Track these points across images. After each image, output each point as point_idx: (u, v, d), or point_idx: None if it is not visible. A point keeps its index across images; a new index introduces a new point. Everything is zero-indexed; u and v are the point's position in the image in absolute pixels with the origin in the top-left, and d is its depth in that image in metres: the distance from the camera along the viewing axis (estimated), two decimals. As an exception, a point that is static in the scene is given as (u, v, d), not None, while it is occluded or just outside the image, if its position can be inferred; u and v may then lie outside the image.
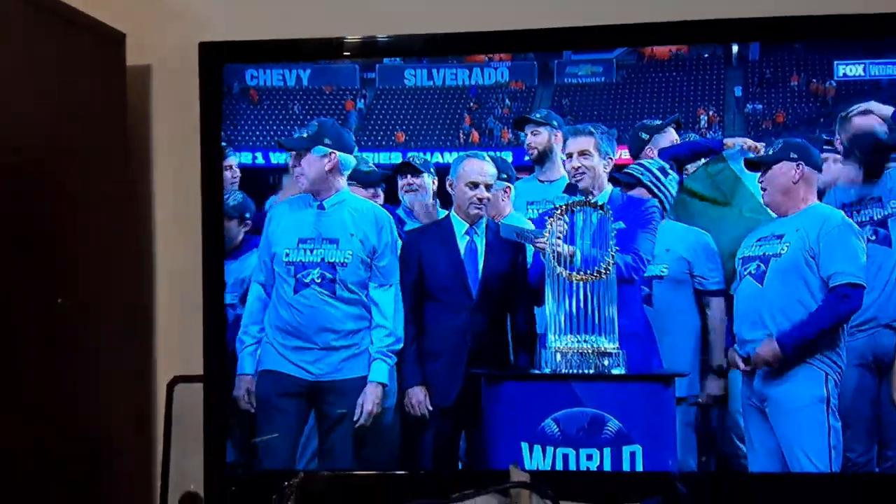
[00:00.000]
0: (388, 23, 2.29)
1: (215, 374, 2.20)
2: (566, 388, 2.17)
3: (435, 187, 2.42)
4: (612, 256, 2.20)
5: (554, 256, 2.19)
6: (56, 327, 2.07)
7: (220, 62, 2.17)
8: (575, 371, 2.17)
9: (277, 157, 2.40)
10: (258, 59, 2.25)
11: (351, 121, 2.48)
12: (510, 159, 2.46)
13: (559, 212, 2.23)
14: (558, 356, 2.19)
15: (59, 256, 2.09)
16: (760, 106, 2.35)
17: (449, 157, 2.39)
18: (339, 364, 2.32)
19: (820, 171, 2.23)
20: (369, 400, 2.30)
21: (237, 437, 2.28)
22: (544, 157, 2.42)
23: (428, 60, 2.37)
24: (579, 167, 2.29)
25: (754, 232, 2.26)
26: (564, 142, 2.32)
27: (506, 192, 2.41)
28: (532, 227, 2.30)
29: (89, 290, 2.19)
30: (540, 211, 2.40)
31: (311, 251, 2.30)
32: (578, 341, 2.19)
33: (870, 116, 2.15)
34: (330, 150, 2.32)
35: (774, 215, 2.25)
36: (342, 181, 2.35)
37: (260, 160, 2.40)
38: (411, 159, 2.44)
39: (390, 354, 2.32)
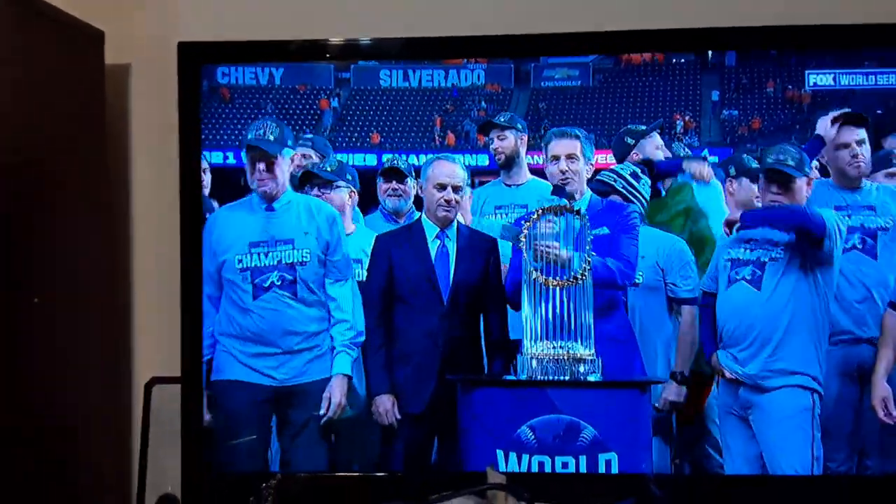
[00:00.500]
0: (367, 24, 2.28)
1: (193, 376, 2.17)
2: (542, 394, 2.14)
3: (415, 191, 2.40)
4: (588, 262, 2.17)
5: (543, 258, 2.15)
6: (32, 327, 2.04)
7: (199, 62, 2.17)
8: (550, 377, 2.14)
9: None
10: (238, 60, 2.26)
11: (325, 120, 2.43)
12: (487, 162, 2.43)
13: (535, 216, 2.20)
14: (534, 362, 2.16)
15: (36, 256, 2.06)
16: (736, 112, 2.35)
17: (425, 160, 2.35)
18: (304, 367, 2.26)
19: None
20: (336, 392, 2.26)
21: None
22: (511, 161, 2.40)
23: (404, 62, 2.34)
24: (566, 170, 2.27)
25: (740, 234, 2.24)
26: (548, 144, 2.29)
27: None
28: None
29: (66, 289, 2.15)
30: (506, 215, 2.37)
31: (266, 254, 2.25)
32: (554, 347, 2.16)
33: None
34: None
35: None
36: (286, 181, 2.31)
37: (231, 160, 2.34)
38: (395, 162, 2.41)
39: (353, 346, 2.28)
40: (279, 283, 2.23)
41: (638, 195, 2.33)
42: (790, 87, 2.28)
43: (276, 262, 2.24)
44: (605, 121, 2.34)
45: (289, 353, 2.25)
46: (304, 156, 2.42)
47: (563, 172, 2.27)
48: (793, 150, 2.18)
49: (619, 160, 2.36)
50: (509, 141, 2.39)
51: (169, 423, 2.25)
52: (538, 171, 2.38)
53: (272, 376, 2.25)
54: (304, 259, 2.26)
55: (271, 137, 2.24)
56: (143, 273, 2.46)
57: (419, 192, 2.33)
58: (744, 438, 2.20)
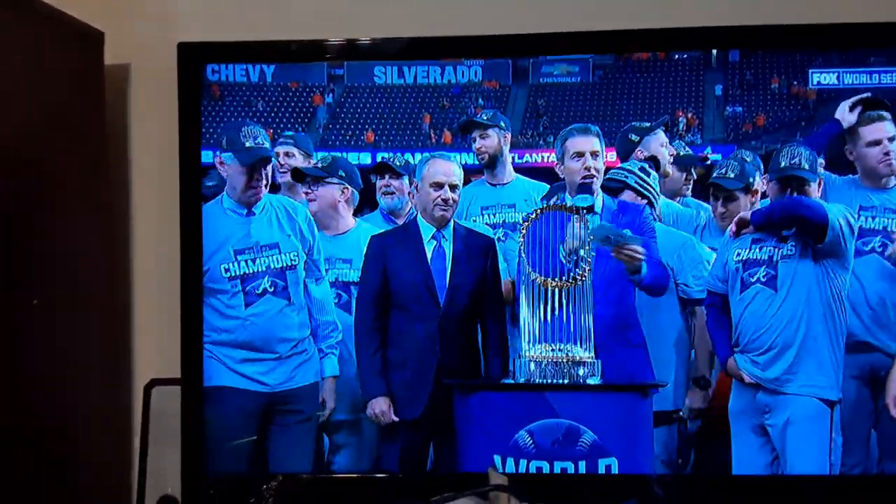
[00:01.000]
0: (366, 25, 2.25)
1: (192, 377, 2.16)
2: (540, 398, 2.09)
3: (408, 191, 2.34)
4: (590, 262, 2.12)
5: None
6: (32, 328, 2.03)
7: (199, 62, 2.17)
8: (549, 381, 2.09)
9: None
10: (238, 60, 2.24)
11: (319, 117, 2.38)
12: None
13: (534, 215, 2.15)
14: (532, 365, 2.11)
15: (36, 256, 2.05)
16: (740, 108, 2.29)
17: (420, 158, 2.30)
18: (292, 372, 2.22)
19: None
20: (329, 395, 2.24)
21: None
22: (495, 160, 2.34)
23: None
24: (591, 167, 2.20)
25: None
26: (565, 141, 2.21)
27: None
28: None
29: (66, 290, 2.14)
30: (494, 216, 2.32)
31: (254, 261, 2.20)
32: (553, 350, 2.11)
33: None
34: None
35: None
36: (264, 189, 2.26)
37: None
38: (390, 160, 2.35)
39: (336, 346, 2.26)
40: (272, 290, 2.18)
41: (651, 190, 2.28)
42: (795, 83, 2.22)
43: (264, 268, 2.19)
44: (606, 118, 2.28)
45: (279, 358, 2.21)
46: (287, 154, 2.37)
47: (587, 169, 2.20)
48: (805, 151, 2.12)
49: (624, 158, 2.31)
50: (492, 140, 2.34)
51: (169, 424, 2.23)
52: (536, 170, 2.32)
53: (264, 382, 2.20)
54: (294, 262, 2.21)
55: (266, 144, 2.21)
56: (143, 274, 2.44)
57: (414, 191, 2.27)
58: (756, 445, 2.15)
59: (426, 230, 2.25)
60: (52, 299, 2.07)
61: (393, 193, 2.37)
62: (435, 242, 2.25)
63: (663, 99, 2.28)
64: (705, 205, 2.31)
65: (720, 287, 2.20)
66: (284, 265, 2.20)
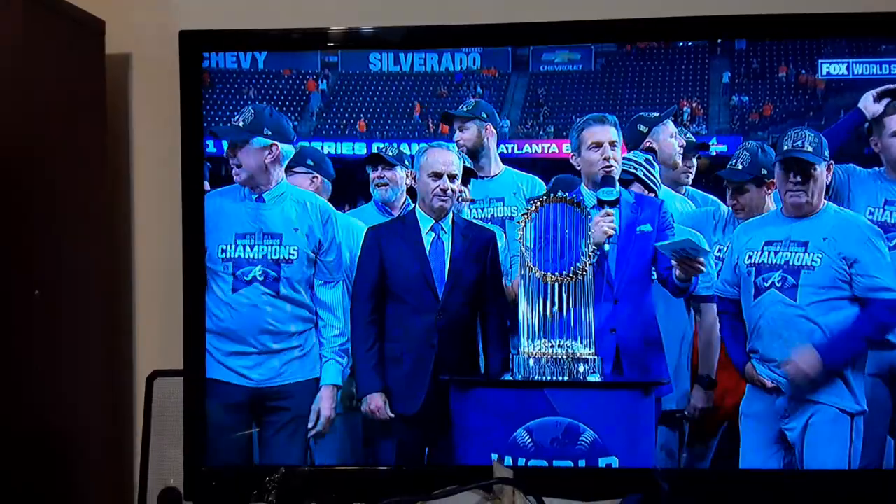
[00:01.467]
0: (365, 13, 2.24)
1: (195, 369, 2.14)
2: (539, 395, 2.05)
3: (408, 182, 2.27)
4: (591, 255, 2.07)
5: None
6: (33, 320, 2.01)
7: (200, 51, 2.14)
8: (549, 378, 2.06)
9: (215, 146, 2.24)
10: (240, 48, 2.20)
11: (313, 104, 2.31)
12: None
13: (533, 207, 2.10)
14: (531, 362, 2.07)
15: (36, 247, 2.03)
16: (747, 98, 2.22)
17: (417, 149, 2.24)
18: (281, 368, 2.18)
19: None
20: (326, 406, 2.18)
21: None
22: (476, 153, 2.28)
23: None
24: (610, 157, 2.14)
25: (757, 233, 2.12)
26: (582, 131, 2.15)
27: None
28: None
29: (67, 281, 2.13)
30: (482, 210, 2.27)
31: (252, 247, 2.16)
32: (552, 346, 2.06)
33: None
34: (271, 142, 2.18)
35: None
36: (281, 171, 2.21)
37: (211, 148, 2.22)
38: (383, 150, 2.29)
39: (343, 354, 2.19)
40: (262, 279, 2.14)
41: (656, 181, 2.23)
42: (804, 71, 2.16)
43: (260, 257, 2.15)
44: (609, 107, 2.20)
45: (264, 353, 2.16)
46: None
47: (606, 160, 2.13)
48: (810, 134, 2.06)
49: (632, 149, 2.25)
50: (472, 132, 2.27)
51: (171, 416, 2.22)
52: (535, 161, 2.26)
53: (248, 377, 2.17)
54: (291, 257, 2.16)
55: (241, 123, 2.16)
56: (145, 264, 2.43)
57: (412, 182, 2.21)
58: (770, 451, 2.11)
59: (424, 222, 2.20)
60: (53, 290, 2.05)
61: (386, 185, 2.31)
62: (433, 234, 2.20)
63: (667, 88, 2.21)
64: (711, 197, 2.25)
65: (731, 292, 2.15)
66: (281, 257, 2.16)
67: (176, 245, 2.15)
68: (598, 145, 2.14)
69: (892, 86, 2.07)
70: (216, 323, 2.15)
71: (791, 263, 2.07)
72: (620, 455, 2.02)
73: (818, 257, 2.05)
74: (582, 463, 2.02)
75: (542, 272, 2.08)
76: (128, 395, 2.38)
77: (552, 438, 2.04)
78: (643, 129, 2.23)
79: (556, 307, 2.06)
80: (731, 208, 2.20)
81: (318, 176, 2.28)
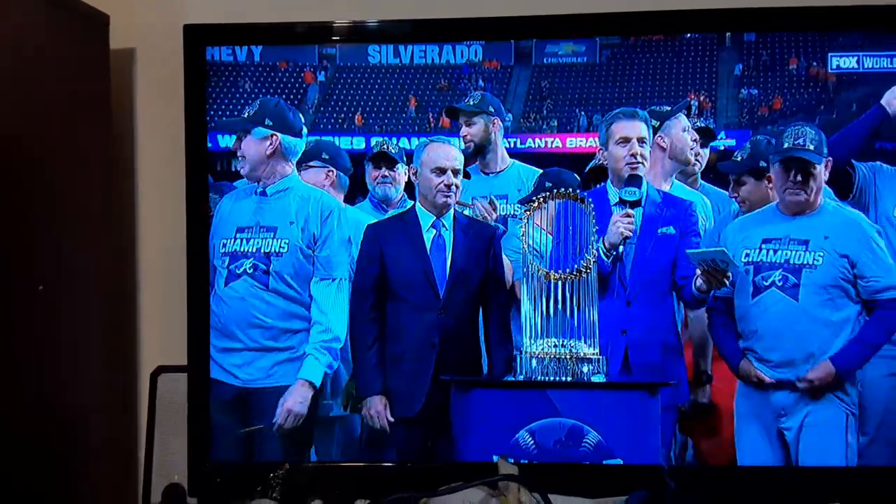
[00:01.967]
0: (370, 5, 2.20)
1: (199, 364, 2.13)
2: (542, 396, 2.01)
3: (409, 177, 2.22)
4: (595, 254, 2.02)
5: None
6: (37, 315, 2.00)
7: (204, 45, 2.13)
8: (552, 378, 2.01)
9: (226, 141, 2.20)
10: (243, 42, 2.20)
11: (310, 96, 2.26)
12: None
13: (536, 203, 2.05)
14: (534, 362, 2.03)
15: (41, 243, 2.03)
16: (756, 91, 2.17)
17: (417, 143, 2.19)
18: (271, 369, 2.14)
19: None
20: (291, 399, 2.11)
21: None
22: (483, 148, 2.23)
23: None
24: (638, 154, 2.08)
25: (754, 230, 2.08)
26: (611, 125, 2.10)
27: None
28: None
29: (71, 276, 2.12)
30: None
31: (248, 240, 2.13)
32: (556, 346, 2.02)
33: None
34: (271, 133, 2.14)
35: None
36: (288, 166, 2.17)
37: (220, 143, 2.20)
38: (386, 147, 2.25)
39: (324, 351, 2.14)
40: (251, 271, 2.11)
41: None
42: (814, 63, 2.10)
43: (254, 250, 2.12)
44: (615, 101, 2.15)
45: (255, 350, 2.13)
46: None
47: (633, 157, 2.07)
48: (811, 131, 2.01)
49: None
50: (478, 127, 2.22)
51: (175, 412, 2.21)
52: (538, 156, 2.20)
53: (236, 375, 2.14)
54: (281, 250, 2.12)
55: (245, 115, 2.14)
56: (150, 260, 2.42)
57: (413, 177, 2.16)
58: (766, 448, 2.07)
59: (425, 218, 2.16)
60: (56, 286, 2.04)
61: (390, 183, 2.26)
62: (434, 231, 2.15)
63: (675, 81, 2.15)
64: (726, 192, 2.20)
65: (723, 290, 2.08)
66: (272, 250, 2.12)
67: (180, 240, 2.13)
68: (626, 140, 2.08)
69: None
70: (214, 319, 2.13)
71: (792, 262, 2.03)
72: (625, 457, 1.98)
73: (820, 256, 2.01)
74: (586, 464, 1.99)
75: (546, 270, 2.03)
76: (132, 392, 2.38)
77: (555, 440, 2.00)
78: (654, 123, 2.16)
79: (560, 305, 2.01)
80: (735, 202, 2.16)
81: (334, 170, 2.24)
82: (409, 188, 2.22)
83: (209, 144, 2.17)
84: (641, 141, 2.08)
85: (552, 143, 2.23)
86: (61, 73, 2.10)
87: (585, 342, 2.02)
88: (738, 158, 2.13)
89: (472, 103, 2.21)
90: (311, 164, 2.22)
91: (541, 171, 2.19)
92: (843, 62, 2.07)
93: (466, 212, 2.20)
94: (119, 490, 2.33)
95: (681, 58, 2.14)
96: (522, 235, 2.06)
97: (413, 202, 2.19)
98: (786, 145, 2.01)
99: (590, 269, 2.03)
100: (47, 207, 2.05)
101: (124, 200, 2.38)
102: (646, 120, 2.09)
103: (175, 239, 2.15)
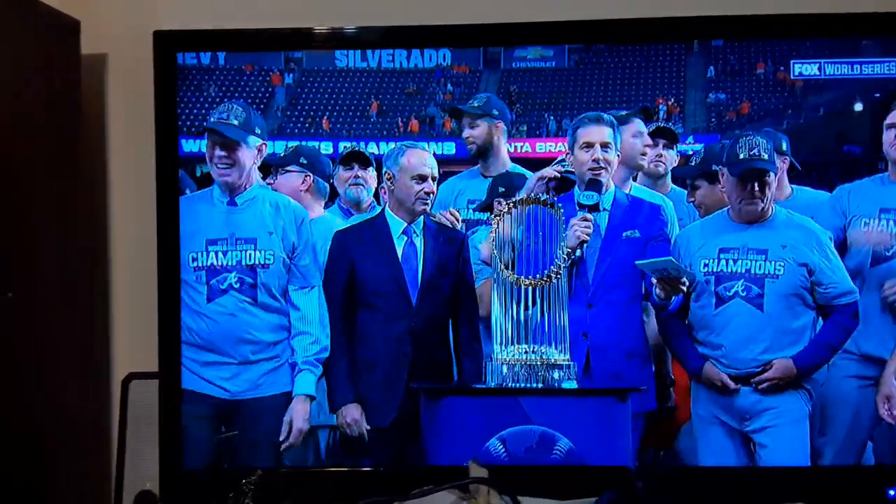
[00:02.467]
0: (343, 13, 2.16)
1: (170, 371, 2.10)
2: (513, 403, 1.99)
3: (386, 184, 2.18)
4: (566, 259, 2.01)
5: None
6: (7, 322, 1.97)
7: (174, 50, 2.11)
8: (522, 385, 2.00)
9: (190, 146, 2.16)
10: (213, 48, 2.19)
11: (278, 98, 2.23)
12: (454, 151, 2.24)
13: (506, 209, 2.03)
14: (504, 368, 2.01)
15: (11, 249, 2.00)
16: (724, 95, 2.17)
17: (385, 148, 2.16)
18: (259, 379, 2.10)
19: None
20: (299, 417, 2.10)
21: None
22: (485, 151, 2.21)
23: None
24: (600, 160, 2.07)
25: (710, 240, 2.08)
26: (577, 130, 2.08)
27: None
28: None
29: (42, 284, 2.09)
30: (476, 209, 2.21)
31: (224, 253, 2.07)
32: (526, 352, 2.00)
33: None
34: (261, 142, 2.11)
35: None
36: (256, 174, 2.14)
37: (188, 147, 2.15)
38: (359, 148, 2.23)
39: (317, 364, 2.11)
40: (237, 286, 2.06)
41: None
42: (782, 68, 2.11)
43: (234, 263, 2.07)
44: (584, 105, 2.14)
45: (243, 363, 2.09)
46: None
47: (595, 162, 2.07)
48: (762, 140, 2.01)
49: None
50: (481, 129, 2.20)
51: (147, 419, 2.17)
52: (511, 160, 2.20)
53: (225, 388, 2.09)
54: (268, 261, 2.08)
55: (235, 122, 2.07)
56: (121, 266, 2.38)
57: (387, 183, 2.13)
58: (731, 452, 2.08)
59: (396, 225, 2.13)
60: (27, 292, 2.01)
61: (362, 185, 2.23)
62: (406, 238, 2.13)
63: (643, 85, 2.15)
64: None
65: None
66: (257, 262, 2.08)
67: (152, 247, 2.10)
68: (589, 146, 2.07)
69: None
70: (192, 336, 2.08)
71: (753, 272, 2.03)
72: (597, 464, 1.97)
73: (781, 265, 2.03)
74: (557, 472, 1.98)
75: (516, 276, 2.01)
76: (104, 398, 2.34)
77: (526, 447, 1.98)
78: None
79: (529, 310, 2.00)
80: (693, 206, 2.17)
81: (311, 175, 2.20)
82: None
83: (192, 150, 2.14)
84: (605, 146, 2.07)
85: (521, 147, 2.22)
86: (32, 77, 2.08)
87: (556, 348, 2.01)
88: (693, 163, 2.13)
89: (476, 105, 2.19)
90: (289, 168, 2.19)
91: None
92: (805, 69, 2.08)
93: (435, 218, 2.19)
94: (90, 497, 2.29)
95: (650, 62, 2.14)
96: (492, 241, 2.04)
97: (381, 207, 2.16)
98: (741, 156, 2.01)
99: (560, 274, 2.01)
100: (18, 212, 2.01)
101: (96, 205, 2.35)
102: (612, 124, 2.08)
103: (146, 244, 2.12)
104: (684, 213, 2.21)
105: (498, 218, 2.03)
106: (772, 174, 2.01)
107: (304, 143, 2.23)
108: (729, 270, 2.05)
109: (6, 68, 1.98)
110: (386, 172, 2.12)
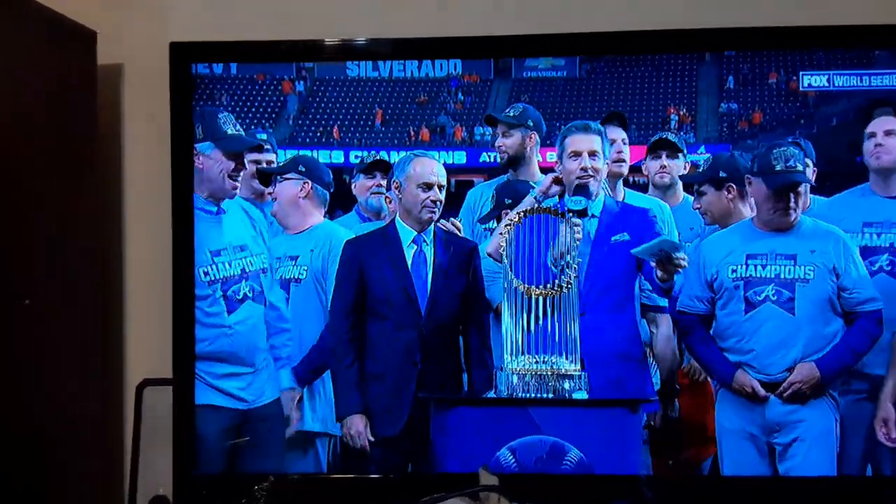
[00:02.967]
0: (355, 26, 2.18)
1: (185, 377, 2.12)
2: (523, 414, 1.99)
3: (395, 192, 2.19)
4: (576, 268, 2.00)
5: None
6: (23, 328, 2.00)
7: (190, 61, 2.14)
8: (532, 395, 2.00)
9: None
10: (229, 59, 2.21)
11: (289, 107, 2.24)
12: (463, 160, 2.24)
13: (517, 218, 2.03)
14: (514, 378, 2.01)
15: (27, 256, 2.03)
16: (736, 105, 2.16)
17: (395, 157, 2.16)
18: (264, 385, 2.13)
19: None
20: (286, 406, 2.15)
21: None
22: (517, 161, 2.20)
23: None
24: (588, 168, 2.07)
25: (736, 247, 2.08)
26: (565, 138, 2.09)
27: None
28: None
29: (58, 290, 2.12)
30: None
31: (230, 263, 2.10)
32: (537, 362, 2.00)
33: None
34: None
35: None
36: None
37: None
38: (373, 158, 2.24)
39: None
40: (251, 295, 2.09)
41: None
42: (794, 78, 2.10)
43: (239, 272, 2.09)
44: (595, 115, 2.14)
45: (254, 371, 2.11)
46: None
47: (583, 170, 2.07)
48: (796, 151, 2.02)
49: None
50: (515, 139, 2.19)
51: (161, 425, 2.19)
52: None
53: (242, 398, 2.11)
54: (263, 265, 2.12)
55: (244, 132, 2.13)
56: (135, 273, 2.40)
57: (395, 192, 2.13)
58: (757, 463, 2.07)
59: (406, 234, 2.13)
60: (43, 299, 2.04)
61: (383, 193, 2.23)
62: (415, 247, 2.13)
63: (654, 95, 2.15)
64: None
65: (699, 307, 2.10)
66: (259, 268, 2.11)
67: (167, 253, 2.11)
68: (577, 154, 2.08)
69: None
70: (211, 348, 2.09)
71: (783, 276, 2.02)
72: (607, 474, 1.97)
73: (811, 270, 2.02)
74: (567, 483, 1.97)
75: (526, 285, 2.01)
76: (118, 404, 2.36)
77: (537, 458, 1.98)
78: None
79: (541, 321, 2.00)
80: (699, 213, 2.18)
81: (310, 182, 2.21)
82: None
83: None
84: (593, 154, 2.08)
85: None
86: (49, 87, 2.10)
87: (567, 358, 2.01)
88: (700, 170, 2.14)
89: (511, 115, 2.19)
90: (288, 176, 2.20)
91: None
92: (815, 80, 2.07)
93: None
94: (105, 502, 2.30)
95: (661, 72, 2.13)
96: (503, 250, 2.04)
97: (393, 216, 2.16)
98: (777, 167, 2.00)
99: (571, 284, 2.01)
100: (35, 220, 2.04)
101: (111, 213, 2.36)
102: (599, 133, 2.09)
103: (162, 252, 2.13)
104: (689, 219, 2.20)
105: (508, 227, 2.04)
106: (804, 185, 2.01)
107: (301, 152, 2.25)
108: (758, 276, 2.04)
109: (23, 78, 2.01)
110: (394, 182, 2.13)
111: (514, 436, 1.98)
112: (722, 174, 2.10)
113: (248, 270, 2.10)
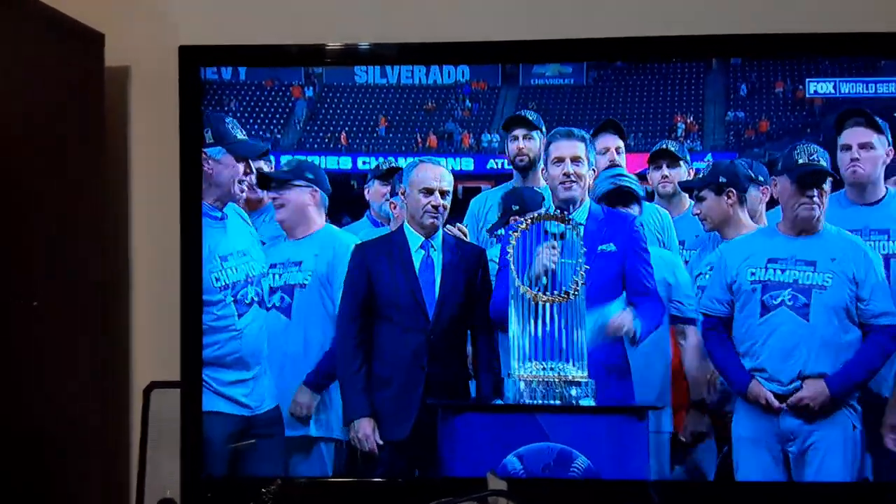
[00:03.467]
0: (362, 29, 2.19)
1: (192, 380, 2.12)
2: (530, 420, 1.99)
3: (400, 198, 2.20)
4: (583, 275, 2.00)
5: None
6: (31, 331, 2.01)
7: (199, 65, 2.14)
8: (540, 402, 1.99)
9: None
10: (237, 63, 2.21)
11: (298, 112, 2.24)
12: (471, 167, 2.25)
13: (524, 225, 2.03)
14: (522, 385, 2.01)
15: (34, 258, 2.04)
16: (743, 114, 2.17)
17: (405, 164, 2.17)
18: (267, 390, 2.14)
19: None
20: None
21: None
22: (533, 164, 2.21)
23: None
24: (571, 174, 2.08)
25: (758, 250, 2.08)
26: (549, 144, 2.10)
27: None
28: None
29: (64, 293, 2.13)
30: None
31: (235, 269, 2.11)
32: (544, 369, 2.00)
33: None
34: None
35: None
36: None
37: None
38: (383, 164, 2.24)
39: None
40: (258, 300, 2.11)
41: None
42: (801, 86, 2.11)
43: (244, 277, 2.10)
44: (602, 122, 2.15)
45: (255, 377, 2.12)
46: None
47: (566, 175, 2.07)
48: (820, 149, 2.03)
49: None
50: (535, 143, 2.20)
51: (168, 427, 2.19)
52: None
53: (246, 404, 2.12)
54: (264, 270, 2.14)
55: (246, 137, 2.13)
56: (143, 276, 2.41)
57: (401, 197, 2.14)
58: (768, 472, 2.06)
59: (414, 239, 2.14)
60: (50, 301, 2.04)
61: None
62: (423, 252, 2.14)
63: (661, 103, 2.15)
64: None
65: (719, 310, 2.10)
66: (261, 273, 2.12)
67: (173, 256, 2.12)
68: (560, 160, 2.08)
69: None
70: (220, 352, 2.09)
71: (801, 282, 2.03)
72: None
73: (829, 277, 2.02)
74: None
75: (533, 292, 2.01)
76: (124, 407, 2.37)
77: (544, 465, 1.98)
78: None
79: (548, 328, 2.00)
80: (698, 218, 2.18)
81: (318, 190, 2.21)
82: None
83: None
84: (576, 160, 2.08)
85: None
86: (57, 88, 2.11)
87: (574, 365, 2.01)
88: (700, 175, 2.15)
89: (532, 118, 2.20)
90: (296, 183, 2.20)
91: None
92: (821, 87, 2.08)
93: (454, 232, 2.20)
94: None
95: (668, 80, 2.14)
96: (510, 257, 2.04)
97: (401, 222, 2.17)
98: (800, 161, 2.01)
99: (578, 291, 2.01)
100: (42, 222, 2.05)
101: (118, 216, 2.37)
102: (583, 139, 2.09)
103: (169, 255, 2.14)
104: (695, 227, 2.20)
105: (516, 234, 2.04)
106: (829, 180, 2.01)
107: (301, 157, 2.26)
108: (776, 280, 2.04)
109: (30, 80, 2.01)
110: (400, 188, 2.14)
111: (521, 442, 1.98)
112: (722, 179, 2.11)
113: (251, 275, 2.11)
